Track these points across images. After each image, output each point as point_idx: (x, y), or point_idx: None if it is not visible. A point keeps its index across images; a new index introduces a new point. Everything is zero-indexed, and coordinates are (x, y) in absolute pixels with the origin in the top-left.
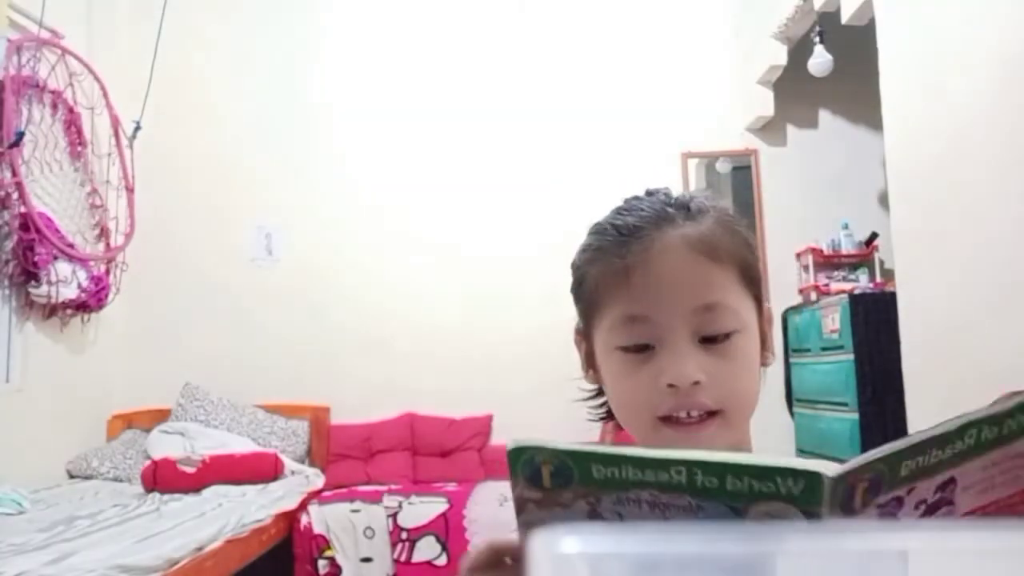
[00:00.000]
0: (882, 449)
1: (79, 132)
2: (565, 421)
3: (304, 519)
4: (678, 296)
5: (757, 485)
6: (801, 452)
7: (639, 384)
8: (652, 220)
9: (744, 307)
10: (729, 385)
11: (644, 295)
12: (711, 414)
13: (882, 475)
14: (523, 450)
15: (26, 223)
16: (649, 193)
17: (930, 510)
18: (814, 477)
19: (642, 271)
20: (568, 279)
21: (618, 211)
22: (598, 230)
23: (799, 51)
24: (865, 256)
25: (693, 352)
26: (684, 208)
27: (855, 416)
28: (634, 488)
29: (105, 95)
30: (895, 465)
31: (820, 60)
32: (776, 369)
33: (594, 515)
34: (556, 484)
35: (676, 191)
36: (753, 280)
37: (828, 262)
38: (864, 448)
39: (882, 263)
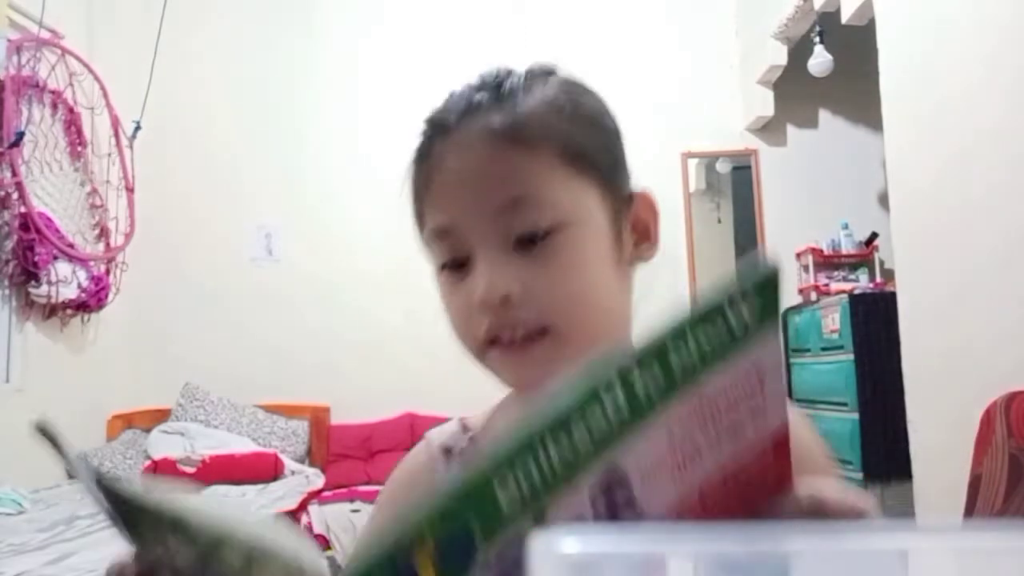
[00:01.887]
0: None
1: (79, 132)
2: None
3: (304, 519)
4: (477, 196)
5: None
6: None
7: (458, 306)
8: (456, 112)
9: (570, 195)
10: (551, 294)
11: (444, 202)
12: (541, 332)
13: (469, 533)
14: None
15: (26, 223)
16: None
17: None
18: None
19: (440, 174)
20: None
21: (442, 101)
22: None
23: (799, 51)
24: (865, 256)
25: (504, 261)
26: (495, 89)
27: (855, 416)
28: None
29: (105, 95)
30: (484, 503)
31: (820, 60)
32: None
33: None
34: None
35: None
36: (588, 159)
37: (828, 262)
38: (864, 448)
39: (882, 263)
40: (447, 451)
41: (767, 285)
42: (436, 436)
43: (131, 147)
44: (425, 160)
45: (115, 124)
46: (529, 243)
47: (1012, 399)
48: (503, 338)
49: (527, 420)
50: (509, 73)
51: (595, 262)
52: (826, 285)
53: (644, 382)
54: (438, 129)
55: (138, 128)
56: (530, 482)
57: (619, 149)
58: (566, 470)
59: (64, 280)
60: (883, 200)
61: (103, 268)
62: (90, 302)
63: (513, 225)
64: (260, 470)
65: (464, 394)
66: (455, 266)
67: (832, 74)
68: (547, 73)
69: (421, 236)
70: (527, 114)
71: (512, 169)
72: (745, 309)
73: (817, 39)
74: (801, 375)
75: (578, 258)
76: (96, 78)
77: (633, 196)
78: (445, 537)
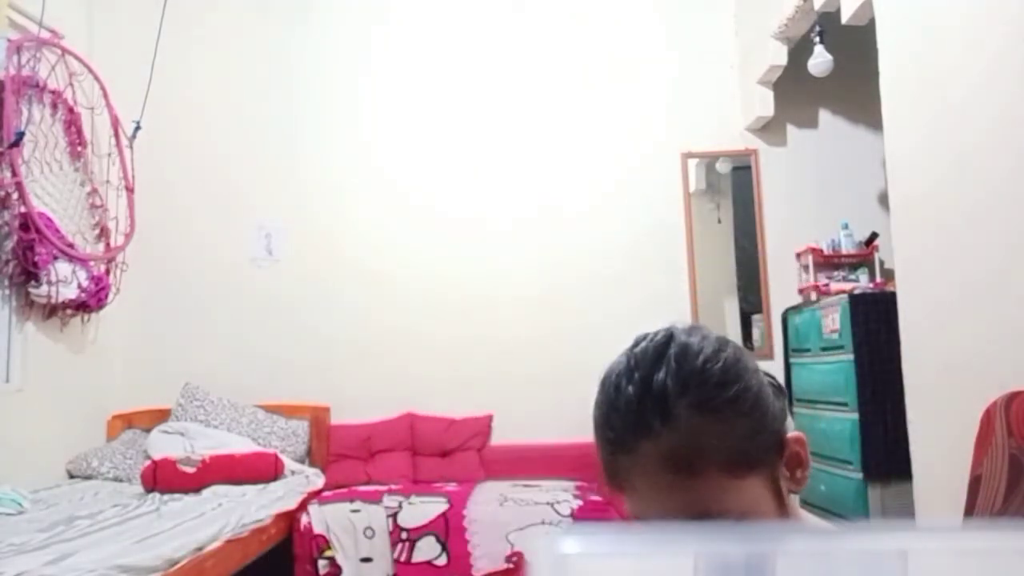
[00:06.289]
0: None
1: (79, 132)
2: (563, 420)
3: (304, 519)
4: (663, 511)
5: None
6: None
7: None
8: (632, 430)
9: (737, 491)
10: None
11: (640, 509)
12: None
13: None
14: None
15: (26, 223)
16: (635, 359)
17: None
18: None
19: (631, 490)
20: (565, 282)
21: (610, 393)
22: (596, 414)
23: (799, 51)
24: (865, 256)
25: None
26: (661, 403)
27: (855, 416)
28: None
29: (105, 95)
30: None
31: (820, 60)
32: (776, 369)
33: None
34: None
35: (672, 337)
36: (752, 459)
37: (828, 262)
38: (864, 448)
39: (882, 263)
40: None
41: None
42: None
43: (131, 147)
44: (611, 467)
45: (115, 124)
46: None
47: (1012, 399)
48: None
49: None
50: (666, 377)
51: (768, 517)
52: (826, 285)
53: None
54: (618, 446)
55: (138, 128)
56: None
57: (773, 419)
58: None
59: (64, 280)
60: (883, 200)
61: (103, 268)
62: (90, 302)
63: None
64: (260, 470)
65: (463, 395)
66: None
67: (832, 74)
68: (694, 367)
69: (607, 480)
70: (694, 436)
71: (690, 495)
72: None
73: (817, 39)
74: (801, 375)
75: None
76: (96, 78)
77: (787, 441)
78: None
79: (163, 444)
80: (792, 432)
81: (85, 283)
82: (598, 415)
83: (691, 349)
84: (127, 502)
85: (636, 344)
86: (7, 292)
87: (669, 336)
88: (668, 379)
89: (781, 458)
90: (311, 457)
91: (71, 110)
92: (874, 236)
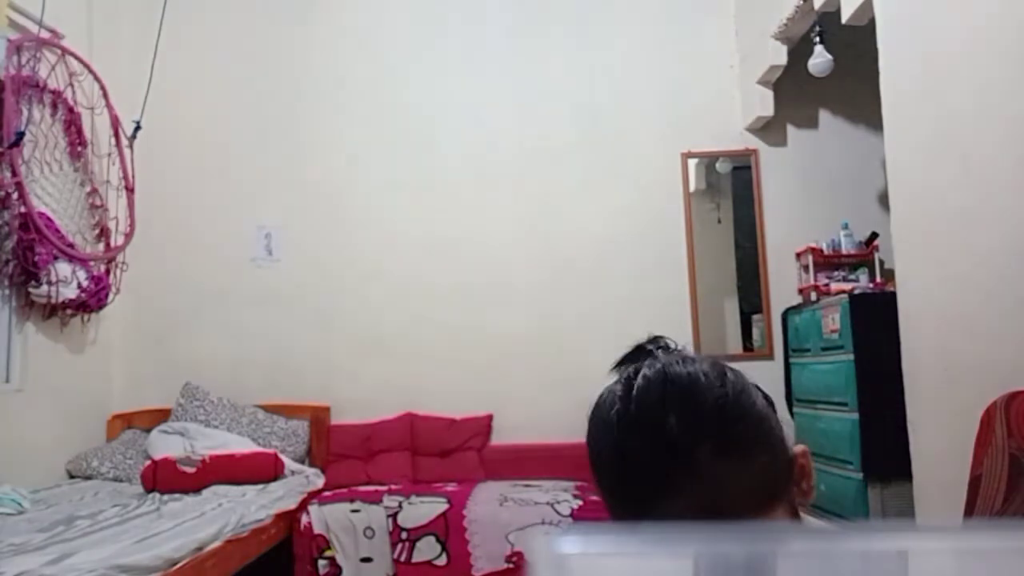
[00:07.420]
0: None
1: (79, 132)
2: (563, 421)
3: (304, 519)
4: None
5: None
6: None
7: None
8: (654, 494)
9: (772, 510)
10: None
11: None
12: None
13: None
14: None
15: (26, 223)
16: (636, 403)
17: None
18: None
19: None
20: (565, 282)
21: (622, 445)
22: (602, 466)
23: (799, 51)
24: (865, 256)
25: None
26: (681, 456)
27: (855, 416)
28: None
29: (105, 95)
30: None
31: (820, 60)
32: (776, 369)
33: None
34: None
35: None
36: (778, 488)
37: (828, 262)
38: (864, 448)
39: (882, 263)
40: None
41: None
42: None
43: (131, 147)
44: (633, 519)
45: (115, 124)
46: None
47: (1012, 399)
48: None
49: None
50: (675, 417)
51: None
52: (826, 285)
53: None
54: (641, 508)
55: (138, 128)
56: None
57: (783, 440)
58: None
59: (64, 280)
60: (883, 200)
61: (103, 268)
62: (90, 302)
63: None
64: (260, 470)
65: (463, 395)
66: None
67: (832, 74)
68: (708, 395)
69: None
70: (722, 489)
71: None
72: None
73: (817, 39)
74: (801, 375)
75: None
76: (96, 78)
77: (795, 457)
78: None
79: (163, 444)
80: (797, 447)
81: (85, 283)
82: (605, 467)
83: (697, 383)
84: (127, 502)
85: (628, 382)
86: (7, 292)
87: (663, 369)
88: (682, 425)
89: (793, 477)
90: (311, 457)
91: (71, 110)
92: (874, 236)
